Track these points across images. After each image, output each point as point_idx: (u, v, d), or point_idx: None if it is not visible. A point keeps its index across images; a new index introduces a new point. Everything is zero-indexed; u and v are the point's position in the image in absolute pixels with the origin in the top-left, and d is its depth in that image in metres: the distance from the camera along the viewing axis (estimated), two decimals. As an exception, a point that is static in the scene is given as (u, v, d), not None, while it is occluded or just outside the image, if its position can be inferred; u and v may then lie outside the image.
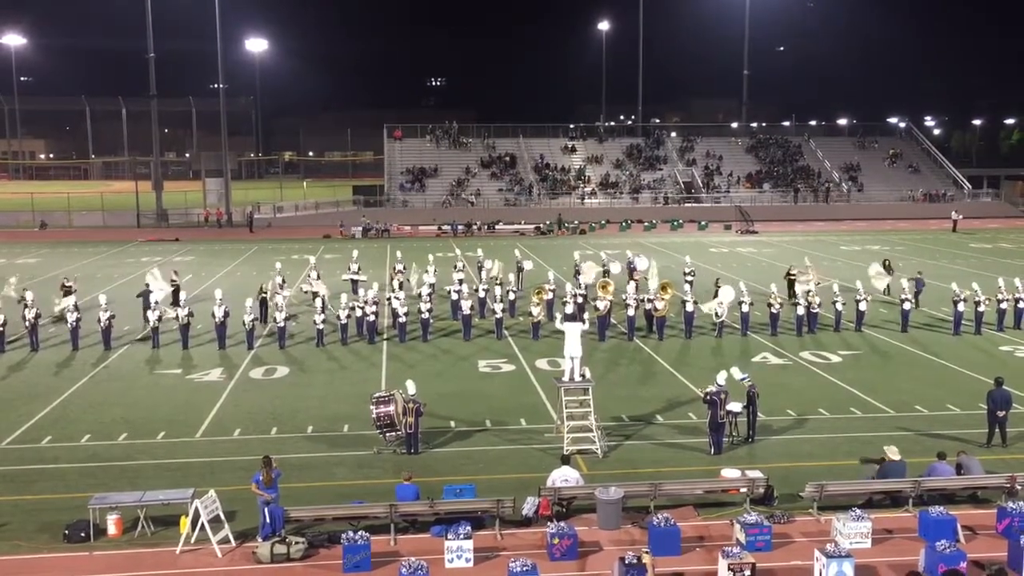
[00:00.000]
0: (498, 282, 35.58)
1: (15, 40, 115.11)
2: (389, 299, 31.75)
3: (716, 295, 32.29)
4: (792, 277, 36.27)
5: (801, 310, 31.13)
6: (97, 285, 41.43)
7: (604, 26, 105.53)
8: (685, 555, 14.77)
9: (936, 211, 76.32)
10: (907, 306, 31.69)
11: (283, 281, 34.69)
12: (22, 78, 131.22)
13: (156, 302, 31.32)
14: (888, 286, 36.86)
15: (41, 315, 30.49)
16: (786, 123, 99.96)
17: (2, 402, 23.61)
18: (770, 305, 31.05)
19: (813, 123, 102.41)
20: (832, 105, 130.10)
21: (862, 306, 31.63)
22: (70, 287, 33.90)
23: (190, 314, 29.83)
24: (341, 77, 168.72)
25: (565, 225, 68.07)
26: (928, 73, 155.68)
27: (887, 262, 39.85)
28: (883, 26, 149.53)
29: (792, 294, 34.91)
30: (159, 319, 29.54)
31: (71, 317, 29.42)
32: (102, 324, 29.29)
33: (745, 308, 30.77)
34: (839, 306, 31.42)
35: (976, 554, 14.38)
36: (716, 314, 30.94)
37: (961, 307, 31.09)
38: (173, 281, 35.92)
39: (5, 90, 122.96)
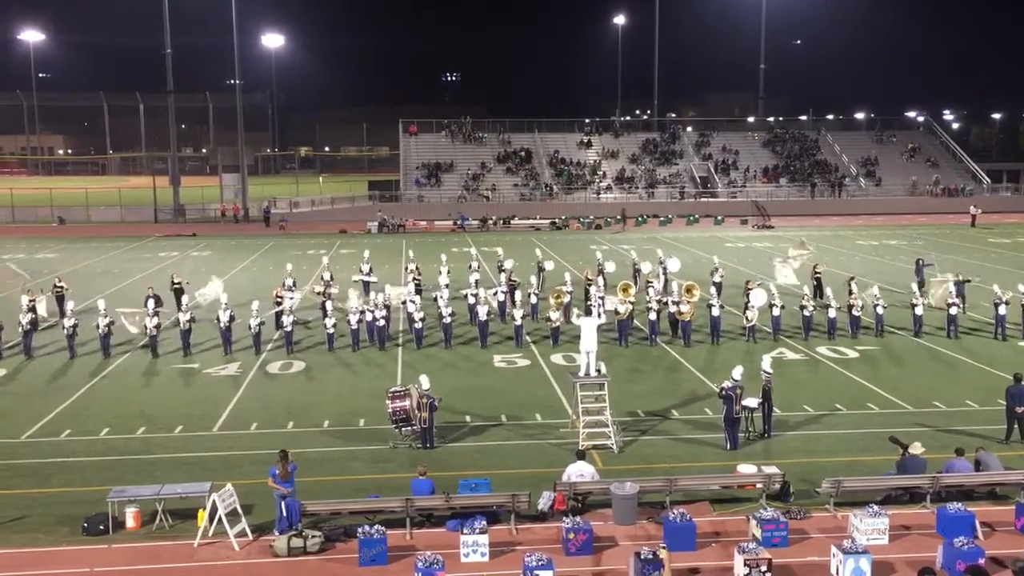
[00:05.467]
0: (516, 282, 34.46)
1: (34, 36, 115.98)
2: (404, 303, 30.33)
3: (746, 298, 30.49)
4: (819, 276, 35.00)
5: (833, 312, 29.64)
6: (112, 281, 41.77)
7: (620, 20, 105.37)
8: (701, 551, 14.74)
9: (955, 205, 75.73)
10: (954, 311, 29.86)
11: (293, 283, 33.57)
12: (40, 74, 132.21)
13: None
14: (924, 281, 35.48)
15: (37, 321, 29.35)
16: (803, 117, 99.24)
17: (19, 397, 23.81)
18: (802, 308, 29.70)
19: (830, 117, 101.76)
20: (849, 99, 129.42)
21: (918, 310, 29.86)
22: (62, 287, 33.81)
23: (192, 320, 28.52)
24: (357, 72, 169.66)
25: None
26: (947, 66, 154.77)
27: (921, 261, 38.01)
28: (901, 19, 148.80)
29: (819, 294, 33.34)
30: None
31: (67, 323, 27.88)
32: (101, 331, 27.65)
33: (776, 312, 29.45)
34: (880, 309, 29.83)
35: (994, 551, 14.30)
36: (747, 318, 29.60)
37: (1003, 310, 29.48)
38: (175, 283, 34.51)
39: (24, 86, 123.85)
